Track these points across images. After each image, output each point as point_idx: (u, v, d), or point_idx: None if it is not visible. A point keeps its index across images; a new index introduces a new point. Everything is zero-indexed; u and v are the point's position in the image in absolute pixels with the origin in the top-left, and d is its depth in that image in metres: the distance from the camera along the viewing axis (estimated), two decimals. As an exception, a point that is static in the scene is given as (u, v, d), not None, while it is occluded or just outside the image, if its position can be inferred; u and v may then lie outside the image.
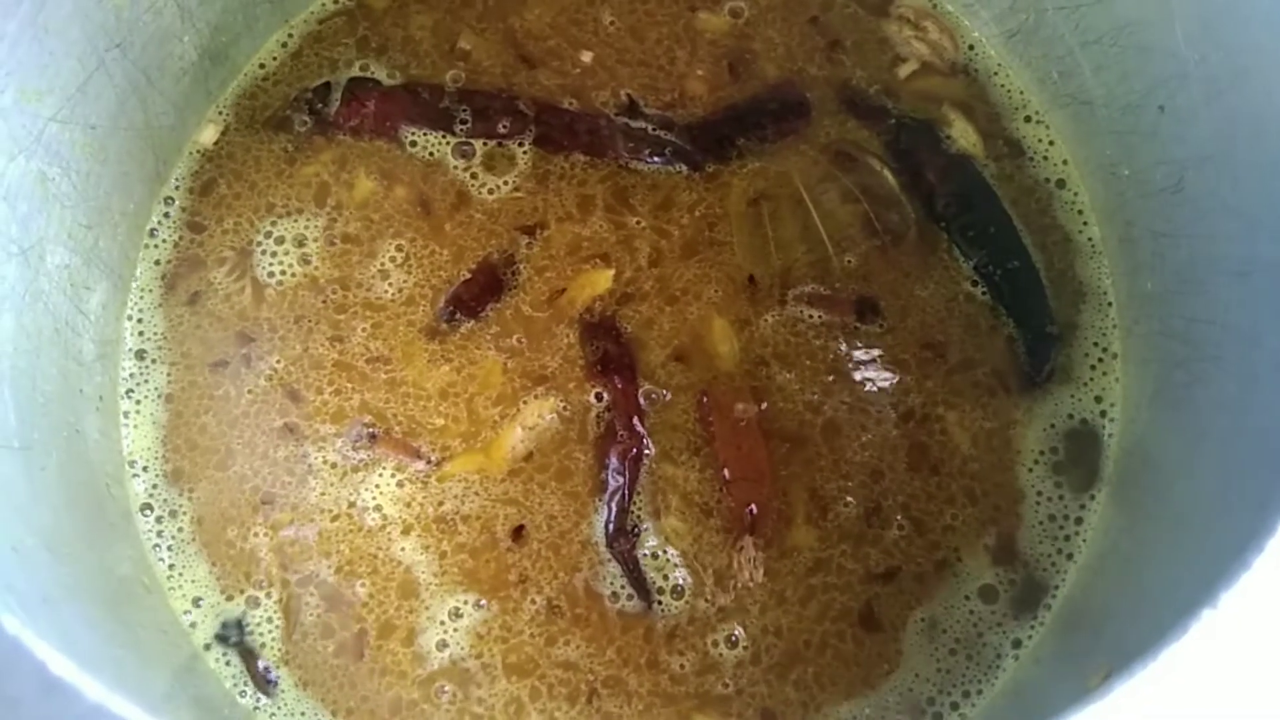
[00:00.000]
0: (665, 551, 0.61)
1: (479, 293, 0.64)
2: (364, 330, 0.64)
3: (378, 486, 0.62)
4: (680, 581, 0.60)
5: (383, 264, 0.65)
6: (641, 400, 0.63)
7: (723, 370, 0.63)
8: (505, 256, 0.65)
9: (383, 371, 0.63)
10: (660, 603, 0.60)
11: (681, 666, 0.59)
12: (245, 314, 0.64)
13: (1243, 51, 0.50)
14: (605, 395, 0.63)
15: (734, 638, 0.60)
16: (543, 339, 0.64)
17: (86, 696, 0.27)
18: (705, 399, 0.62)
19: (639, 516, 0.61)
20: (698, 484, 0.62)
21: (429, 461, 0.62)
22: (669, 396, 0.63)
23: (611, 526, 0.60)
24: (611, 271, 0.64)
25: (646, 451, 0.62)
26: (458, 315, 0.64)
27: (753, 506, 0.61)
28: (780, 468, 0.62)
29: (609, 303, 0.64)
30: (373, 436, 0.63)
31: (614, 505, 0.61)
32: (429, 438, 0.63)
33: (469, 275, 0.64)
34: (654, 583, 0.60)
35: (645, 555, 0.61)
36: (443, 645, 0.60)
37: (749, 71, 0.68)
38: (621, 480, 0.61)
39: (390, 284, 0.65)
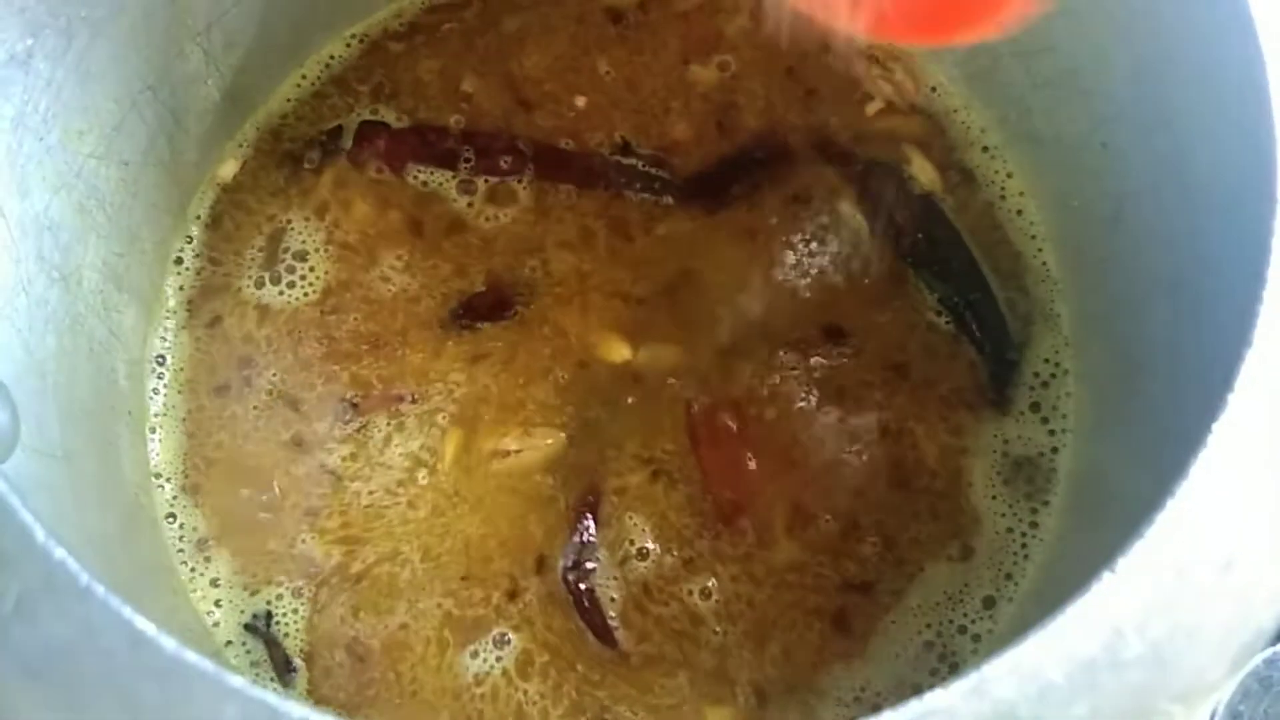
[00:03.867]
0: (630, 541, 0.65)
1: (491, 306, 0.69)
2: (355, 319, 0.69)
3: (374, 458, 0.67)
4: (648, 545, 0.65)
5: (384, 271, 0.70)
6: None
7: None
8: (513, 277, 0.70)
9: (366, 343, 0.68)
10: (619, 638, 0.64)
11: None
12: (250, 336, 0.69)
13: (1169, 96, 0.56)
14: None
15: (707, 589, 0.64)
16: (534, 366, 0.69)
17: (166, 649, 0.32)
18: (693, 408, 0.67)
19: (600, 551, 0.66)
20: (678, 498, 0.66)
21: (412, 400, 0.67)
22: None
23: (571, 559, 0.65)
24: (628, 350, 0.69)
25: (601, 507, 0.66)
26: (465, 318, 0.69)
27: (735, 510, 0.65)
28: (764, 482, 0.66)
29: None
30: (354, 405, 0.67)
31: (577, 545, 0.65)
32: (410, 382, 0.67)
33: (483, 289, 0.70)
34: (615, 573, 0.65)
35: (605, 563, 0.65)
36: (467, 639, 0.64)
37: (735, 123, 0.74)
38: (579, 530, 0.65)
39: (393, 286, 0.70)
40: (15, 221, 0.57)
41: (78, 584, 0.33)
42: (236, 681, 0.32)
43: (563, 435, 0.67)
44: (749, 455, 0.66)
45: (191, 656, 0.32)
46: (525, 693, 0.64)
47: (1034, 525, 0.67)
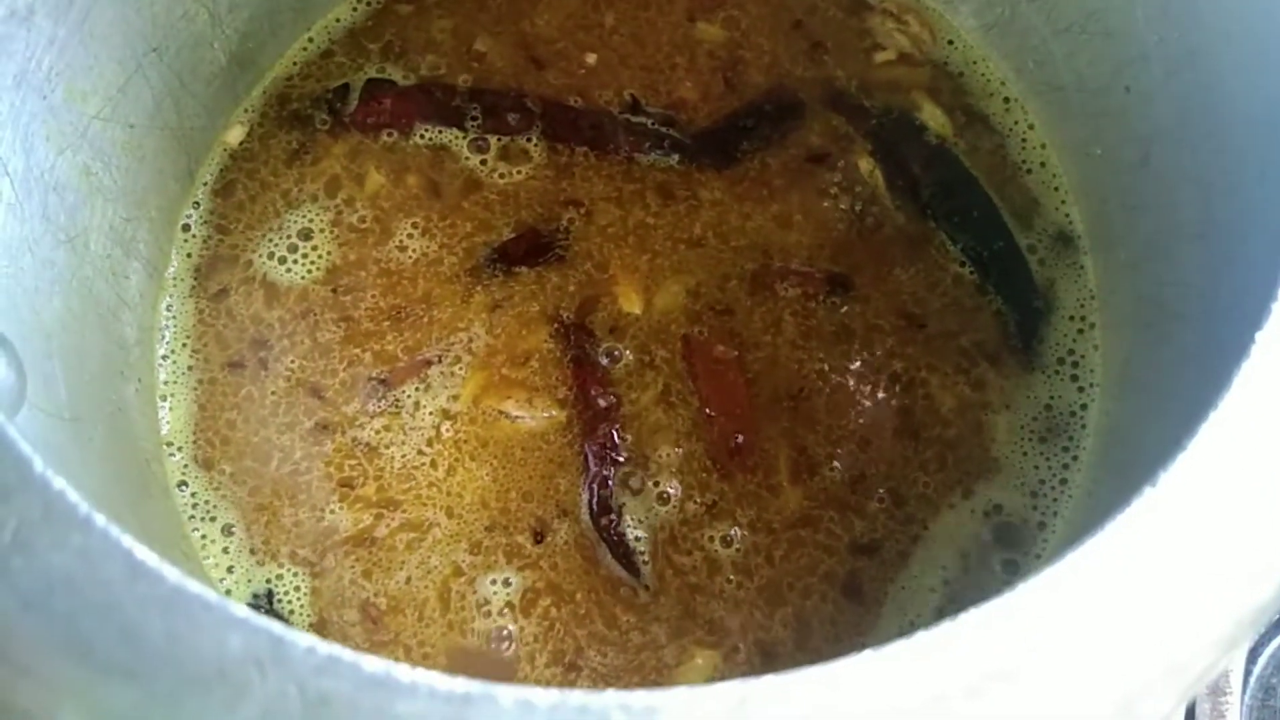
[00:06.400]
0: (652, 483, 0.64)
1: (526, 251, 0.68)
2: (373, 295, 0.68)
3: (401, 428, 0.66)
4: (670, 490, 0.64)
5: (400, 240, 0.69)
6: (603, 359, 0.66)
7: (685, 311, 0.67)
8: (546, 227, 0.69)
9: (388, 318, 0.67)
10: (644, 571, 0.63)
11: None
12: (259, 317, 0.68)
13: (1194, 31, 0.54)
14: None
15: (729, 537, 0.63)
16: (547, 314, 0.68)
17: (167, 579, 0.31)
18: (689, 342, 0.66)
19: (624, 485, 0.65)
20: (685, 424, 0.65)
21: (440, 360, 0.66)
22: (629, 353, 0.66)
23: (595, 506, 0.64)
24: (639, 301, 0.68)
25: (621, 442, 0.65)
26: (501, 263, 0.68)
27: (738, 437, 0.64)
28: (769, 423, 0.65)
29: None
30: (383, 382, 0.66)
31: (594, 487, 0.64)
32: (437, 346, 0.67)
33: (514, 236, 0.69)
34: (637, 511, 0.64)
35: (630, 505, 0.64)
36: (484, 597, 0.63)
37: (743, 79, 0.73)
38: (599, 466, 0.64)
39: (410, 254, 0.69)
40: (19, 180, 0.56)
41: (76, 514, 0.32)
42: (241, 611, 0.31)
43: (562, 415, 0.66)
44: (747, 384, 0.65)
45: (194, 586, 0.31)
46: (522, 629, 0.62)
47: (1064, 482, 0.65)
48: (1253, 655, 0.68)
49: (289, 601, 0.64)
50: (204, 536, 0.65)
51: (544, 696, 0.29)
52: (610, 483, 0.64)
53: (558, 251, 0.69)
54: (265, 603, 0.64)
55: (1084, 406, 0.66)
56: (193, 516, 0.65)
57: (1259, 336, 0.35)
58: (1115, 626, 0.32)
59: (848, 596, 0.63)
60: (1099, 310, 0.68)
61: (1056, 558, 0.62)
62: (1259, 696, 0.68)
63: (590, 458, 0.64)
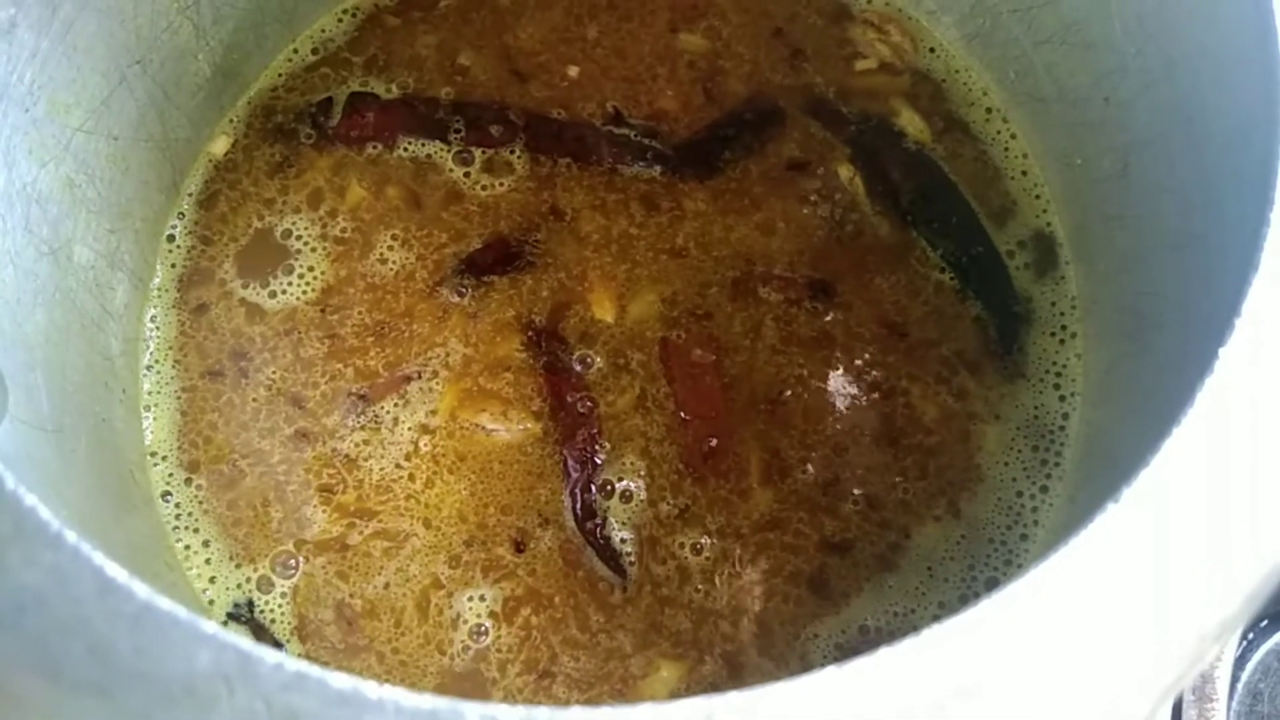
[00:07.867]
0: (622, 481, 0.65)
1: (494, 261, 0.69)
2: (360, 311, 0.68)
3: (380, 442, 0.66)
4: (644, 494, 0.64)
5: (381, 253, 0.70)
6: (576, 366, 0.67)
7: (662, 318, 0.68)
8: (518, 237, 0.69)
9: (372, 334, 0.68)
10: (630, 572, 0.63)
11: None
12: (239, 330, 0.68)
13: (1171, 43, 0.55)
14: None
15: (699, 545, 0.63)
16: (520, 322, 0.68)
17: (137, 596, 0.31)
18: (666, 345, 0.67)
19: (602, 489, 0.65)
20: (659, 429, 0.66)
21: (419, 376, 0.66)
22: (600, 360, 0.66)
23: (580, 512, 0.64)
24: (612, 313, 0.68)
25: (599, 448, 0.65)
26: (468, 274, 0.68)
27: (712, 440, 0.65)
28: (744, 427, 0.65)
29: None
30: (363, 398, 0.66)
31: (578, 493, 0.64)
32: (416, 361, 0.67)
33: (481, 245, 0.69)
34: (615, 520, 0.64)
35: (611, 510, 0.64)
36: (460, 611, 0.63)
37: (723, 89, 0.73)
38: (580, 472, 0.65)
39: (391, 265, 0.69)
40: (1, 193, 0.56)
41: (48, 531, 0.32)
42: (210, 627, 0.31)
43: (537, 428, 0.66)
44: (723, 389, 0.66)
45: (164, 603, 0.31)
46: (500, 638, 0.62)
47: (1044, 490, 0.66)
48: (1240, 661, 0.68)
49: (270, 610, 0.64)
50: (187, 546, 0.65)
51: (510, 713, 0.29)
52: (593, 487, 0.64)
53: (529, 259, 0.69)
54: (246, 611, 0.64)
55: (1065, 416, 0.67)
56: (176, 527, 0.65)
57: (1222, 352, 0.35)
58: (1077, 643, 0.32)
59: (813, 590, 0.63)
60: (1081, 320, 0.68)
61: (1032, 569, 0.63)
62: (1246, 702, 0.68)
63: (570, 463, 0.65)
